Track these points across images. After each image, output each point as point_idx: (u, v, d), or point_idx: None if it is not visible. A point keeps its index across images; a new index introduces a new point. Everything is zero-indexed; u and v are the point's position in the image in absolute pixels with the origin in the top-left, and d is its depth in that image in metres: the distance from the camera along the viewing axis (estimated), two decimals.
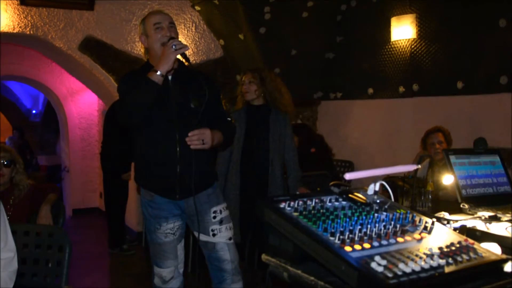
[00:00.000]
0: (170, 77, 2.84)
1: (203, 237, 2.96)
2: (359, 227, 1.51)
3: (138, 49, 6.15)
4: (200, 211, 2.91)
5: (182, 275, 3.05)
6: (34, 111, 12.33)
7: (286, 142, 3.84)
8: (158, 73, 2.66)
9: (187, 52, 2.75)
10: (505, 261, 1.50)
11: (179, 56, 2.76)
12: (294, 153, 3.88)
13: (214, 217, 2.93)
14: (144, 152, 2.92)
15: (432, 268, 1.35)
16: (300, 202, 1.64)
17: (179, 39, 2.79)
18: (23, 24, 5.54)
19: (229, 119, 3.12)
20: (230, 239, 2.99)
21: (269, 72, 3.94)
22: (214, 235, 2.93)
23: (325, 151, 5.64)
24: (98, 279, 5.35)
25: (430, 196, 2.81)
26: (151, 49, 2.90)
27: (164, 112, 2.80)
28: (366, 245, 1.42)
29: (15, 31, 5.52)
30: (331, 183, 4.96)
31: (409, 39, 5.34)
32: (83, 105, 8.53)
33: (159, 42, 2.81)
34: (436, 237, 1.56)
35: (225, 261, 2.96)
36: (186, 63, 2.81)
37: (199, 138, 2.72)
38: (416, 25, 5.26)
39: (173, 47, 2.66)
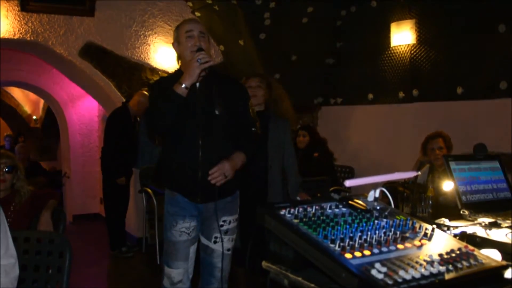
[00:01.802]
0: (197, 84, 2.85)
1: (204, 241, 3.01)
2: (359, 234, 1.51)
3: (138, 54, 6.17)
4: (211, 216, 2.94)
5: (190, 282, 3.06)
6: (34, 117, 12.34)
7: (286, 148, 3.84)
8: (183, 86, 2.71)
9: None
10: (505, 267, 1.50)
11: None
12: (293, 159, 3.88)
13: (222, 226, 2.96)
14: (168, 156, 2.98)
15: (432, 275, 1.35)
16: (300, 209, 1.65)
17: (209, 50, 2.84)
18: (23, 30, 5.55)
19: (254, 129, 3.08)
20: (228, 250, 3.02)
21: (273, 79, 3.96)
22: (215, 242, 2.97)
23: (328, 156, 5.66)
24: (99, 285, 5.34)
25: (430, 202, 2.81)
26: (181, 56, 2.95)
27: (189, 118, 2.84)
28: (366, 252, 1.42)
29: (15, 37, 5.53)
30: (331, 189, 4.98)
31: (408, 45, 5.35)
32: (84, 111, 8.53)
33: (189, 50, 2.85)
34: (436, 243, 1.57)
35: (217, 268, 2.99)
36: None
37: (220, 174, 2.77)
38: (415, 30, 5.28)
39: (198, 61, 2.70)
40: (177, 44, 2.95)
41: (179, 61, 3.02)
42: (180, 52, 2.95)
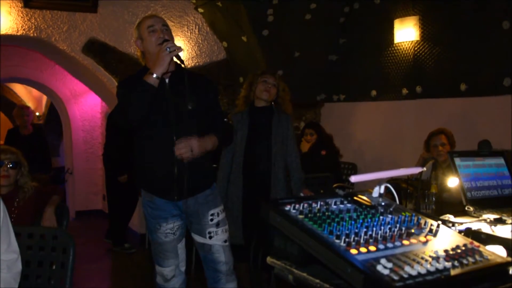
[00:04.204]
0: (167, 80, 2.86)
1: (199, 239, 2.99)
2: (365, 229, 1.51)
3: (138, 51, 6.16)
4: (197, 213, 2.94)
5: (185, 274, 3.07)
6: (37, 114, 12.34)
7: (289, 144, 3.84)
8: (154, 75, 2.69)
9: (181, 54, 2.77)
10: (510, 264, 1.50)
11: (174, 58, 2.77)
12: (296, 155, 3.88)
13: (211, 220, 2.96)
14: (142, 154, 2.94)
15: (438, 271, 1.35)
16: (305, 205, 1.64)
17: (178, 43, 2.81)
18: (26, 27, 5.55)
19: (226, 120, 3.13)
20: (225, 241, 3.02)
21: (278, 75, 4.00)
22: (210, 237, 2.96)
23: (335, 153, 5.65)
24: (102, 281, 5.36)
25: (434, 199, 2.81)
26: (146, 52, 2.93)
27: (161, 114, 2.83)
28: (372, 248, 1.42)
29: (18, 34, 5.54)
30: (335, 185, 4.97)
31: (412, 41, 5.33)
32: (86, 107, 8.54)
33: (154, 44, 2.83)
34: (442, 239, 1.56)
35: (220, 263, 2.99)
36: (182, 65, 2.83)
37: (186, 147, 2.74)
38: (419, 27, 5.26)
39: (167, 49, 2.69)
40: (140, 42, 2.93)
41: (143, 59, 3.00)
42: (144, 48, 2.93)
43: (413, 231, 1.57)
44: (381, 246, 1.43)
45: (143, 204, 3.04)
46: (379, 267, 1.31)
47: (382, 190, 1.79)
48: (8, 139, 6.69)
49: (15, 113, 6.76)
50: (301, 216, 1.57)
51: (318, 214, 1.59)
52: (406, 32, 5.34)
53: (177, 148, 2.74)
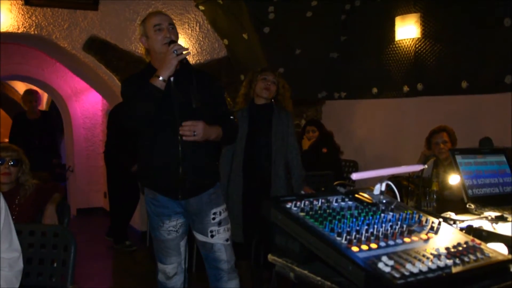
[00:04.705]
0: (172, 78, 2.84)
1: (201, 237, 2.99)
2: (366, 227, 1.51)
3: (142, 48, 6.15)
4: (200, 211, 2.94)
5: (187, 271, 3.07)
6: None
7: (289, 142, 3.84)
8: (160, 78, 2.68)
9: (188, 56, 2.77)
10: (511, 261, 1.50)
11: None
12: (297, 152, 3.88)
13: (214, 219, 2.96)
14: (146, 153, 2.94)
15: (439, 268, 1.35)
16: (307, 202, 1.64)
17: (180, 41, 2.81)
18: (27, 24, 5.55)
19: (232, 117, 3.12)
20: (227, 240, 3.02)
21: (278, 73, 3.99)
22: (212, 236, 2.96)
23: (336, 151, 5.65)
24: (103, 279, 5.36)
25: (435, 196, 2.80)
26: (152, 50, 2.92)
27: (166, 113, 2.82)
28: (373, 245, 1.42)
29: (19, 31, 5.53)
30: (336, 183, 4.97)
31: (413, 39, 5.33)
32: (87, 104, 8.53)
33: (160, 43, 2.82)
34: (443, 237, 1.56)
35: (221, 261, 2.99)
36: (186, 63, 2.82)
37: (191, 129, 2.73)
38: (420, 24, 5.25)
39: (174, 52, 2.67)
40: (145, 39, 2.91)
41: (148, 56, 3.00)
42: (149, 46, 2.91)
43: (414, 228, 1.57)
44: (382, 244, 1.43)
45: (146, 201, 3.03)
46: (381, 265, 1.31)
47: (383, 188, 1.79)
48: (15, 124, 6.75)
49: (22, 98, 6.79)
50: (302, 214, 1.57)
51: (319, 212, 1.59)
52: (407, 30, 5.33)
53: (182, 128, 2.74)
